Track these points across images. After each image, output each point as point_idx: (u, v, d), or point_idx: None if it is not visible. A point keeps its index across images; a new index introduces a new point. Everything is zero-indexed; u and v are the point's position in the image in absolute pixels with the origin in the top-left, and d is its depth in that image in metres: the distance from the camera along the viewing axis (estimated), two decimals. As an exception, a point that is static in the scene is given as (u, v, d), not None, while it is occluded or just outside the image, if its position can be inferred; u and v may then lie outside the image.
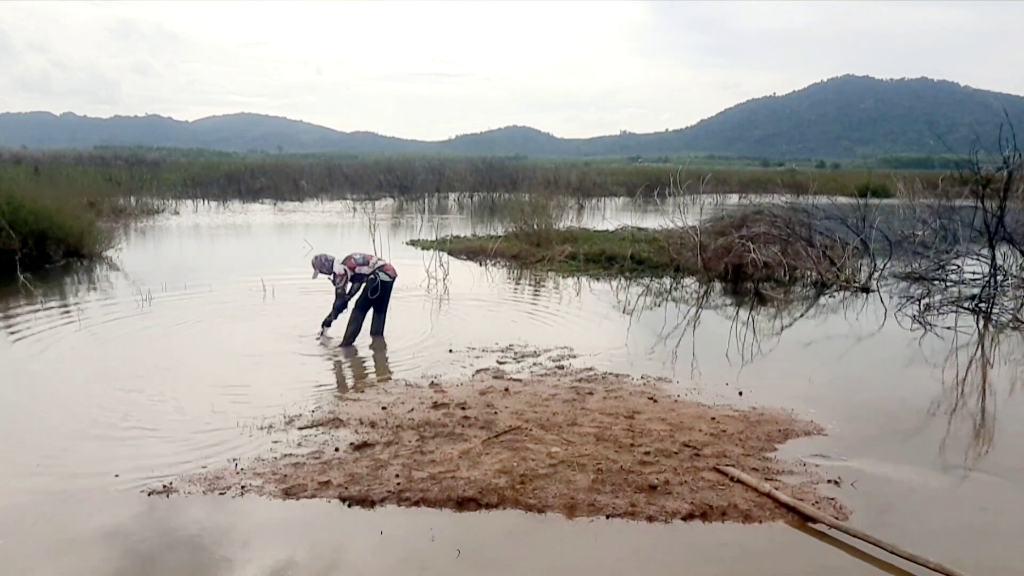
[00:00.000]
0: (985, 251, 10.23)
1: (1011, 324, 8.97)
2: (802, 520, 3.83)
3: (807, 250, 11.79)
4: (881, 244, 12.36)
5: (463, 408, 5.37)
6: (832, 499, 4.07)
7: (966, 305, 9.65)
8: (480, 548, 3.60)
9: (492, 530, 3.77)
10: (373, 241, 10.88)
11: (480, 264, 13.41)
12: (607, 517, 3.84)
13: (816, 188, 19.95)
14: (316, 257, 7.39)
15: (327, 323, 7.50)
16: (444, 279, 11.15)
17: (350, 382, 6.36)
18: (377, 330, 7.61)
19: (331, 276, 7.32)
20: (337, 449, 4.62)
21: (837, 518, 3.81)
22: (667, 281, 11.67)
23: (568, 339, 7.61)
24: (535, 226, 14.92)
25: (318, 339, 7.48)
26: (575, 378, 6.27)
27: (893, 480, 4.38)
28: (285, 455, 4.53)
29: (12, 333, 7.69)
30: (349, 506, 3.94)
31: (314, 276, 7.42)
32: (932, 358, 7.42)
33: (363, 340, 7.46)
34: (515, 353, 7.10)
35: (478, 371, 6.46)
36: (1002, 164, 10.30)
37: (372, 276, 7.36)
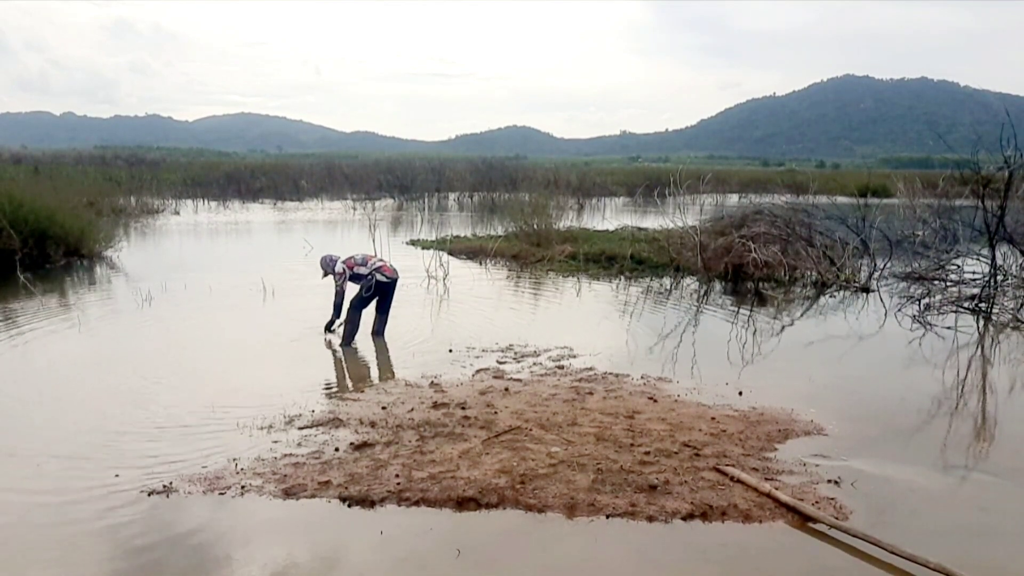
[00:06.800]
0: (985, 251, 10.23)
1: (1011, 324, 8.96)
2: (802, 520, 3.83)
3: (807, 250, 11.78)
4: (881, 244, 12.36)
5: (463, 408, 5.36)
6: (832, 499, 4.07)
7: (966, 305, 9.64)
8: (480, 548, 3.60)
9: (492, 530, 3.76)
10: (373, 241, 10.87)
11: (480, 264, 13.41)
12: (607, 517, 3.84)
13: (816, 188, 20.00)
14: (322, 257, 7.69)
15: (329, 326, 7.64)
16: (444, 279, 11.15)
17: (350, 382, 6.36)
18: (378, 331, 7.64)
19: (334, 275, 7.50)
20: (337, 449, 4.62)
21: (837, 518, 3.81)
22: (667, 281, 11.67)
23: (568, 339, 7.60)
24: (535, 226, 14.91)
25: (324, 335, 7.59)
26: (575, 378, 6.26)
27: (893, 480, 4.38)
28: (285, 455, 4.53)
29: (12, 333, 7.69)
30: (349, 506, 3.93)
31: (323, 276, 7.66)
32: (932, 358, 7.42)
33: (363, 340, 7.46)
34: (515, 353, 7.10)
35: (478, 371, 6.46)
36: (1003, 164, 10.30)
37: (369, 276, 7.44)
